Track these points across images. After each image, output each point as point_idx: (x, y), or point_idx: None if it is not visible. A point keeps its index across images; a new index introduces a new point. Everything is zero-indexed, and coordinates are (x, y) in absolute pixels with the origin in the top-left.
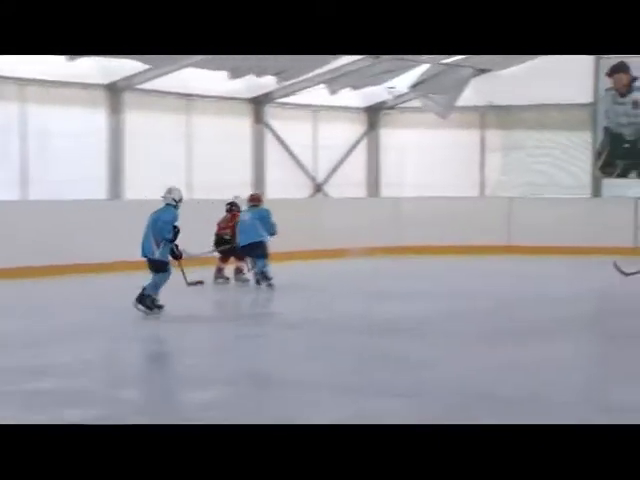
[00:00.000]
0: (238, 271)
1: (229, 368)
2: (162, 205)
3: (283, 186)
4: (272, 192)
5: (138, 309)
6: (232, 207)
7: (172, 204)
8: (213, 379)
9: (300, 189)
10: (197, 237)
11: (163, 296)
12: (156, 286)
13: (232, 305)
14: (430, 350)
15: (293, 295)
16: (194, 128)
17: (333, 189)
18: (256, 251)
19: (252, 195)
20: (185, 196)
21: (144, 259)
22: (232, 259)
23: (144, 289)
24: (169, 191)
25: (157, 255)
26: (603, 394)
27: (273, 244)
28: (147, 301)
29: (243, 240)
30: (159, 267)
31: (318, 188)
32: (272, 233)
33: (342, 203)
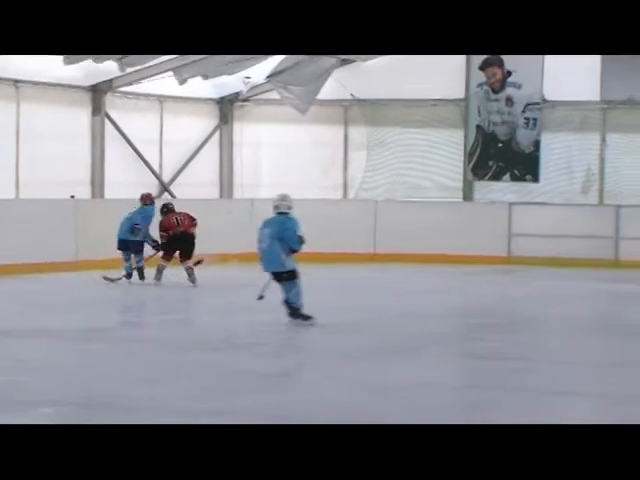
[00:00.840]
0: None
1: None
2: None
3: (124, 186)
4: (112, 192)
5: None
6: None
7: (286, 212)
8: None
9: (144, 189)
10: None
11: None
12: (298, 295)
13: None
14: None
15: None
16: (23, 119)
17: (181, 189)
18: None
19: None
20: (12, 196)
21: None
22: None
23: (291, 304)
24: (283, 198)
25: (288, 266)
26: None
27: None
28: (300, 313)
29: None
30: (292, 275)
31: (164, 188)
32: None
33: (191, 205)
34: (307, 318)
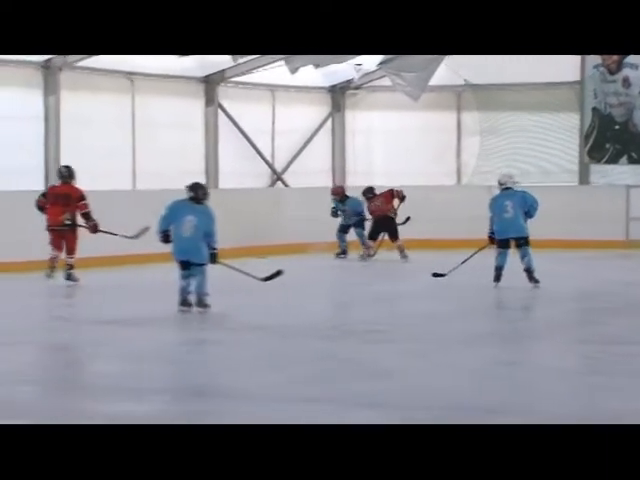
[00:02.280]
0: None
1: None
2: (503, 190)
3: (238, 176)
4: (225, 182)
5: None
6: None
7: (511, 187)
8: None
9: (257, 178)
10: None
11: None
12: (532, 259)
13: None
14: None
15: (246, 295)
16: (138, 111)
17: (294, 178)
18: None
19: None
20: (129, 187)
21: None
22: None
23: (529, 268)
24: (510, 176)
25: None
26: None
27: (226, 240)
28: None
29: None
30: (528, 241)
31: (277, 177)
32: None
33: (304, 193)
34: (536, 281)
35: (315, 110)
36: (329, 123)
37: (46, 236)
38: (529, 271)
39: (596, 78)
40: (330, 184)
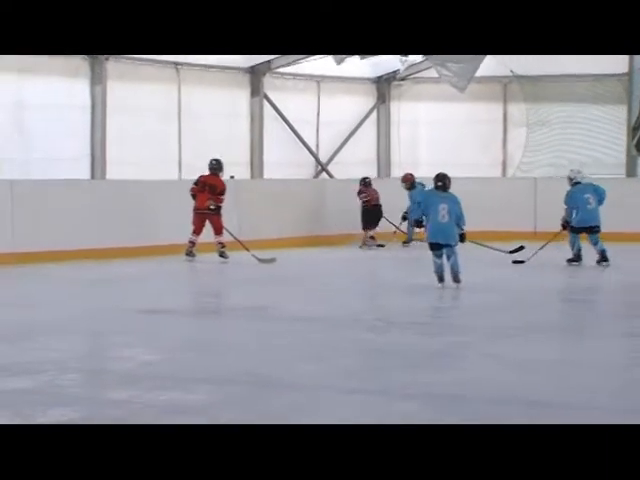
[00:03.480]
0: None
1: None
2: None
3: (283, 166)
4: (270, 172)
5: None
6: None
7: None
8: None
9: (302, 169)
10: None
11: None
12: None
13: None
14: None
15: (293, 287)
16: (184, 101)
17: (339, 169)
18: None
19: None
20: (175, 176)
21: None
22: None
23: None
24: (578, 170)
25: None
26: None
27: (266, 230)
28: None
29: None
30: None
31: (322, 168)
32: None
33: (349, 185)
34: (607, 259)
35: (360, 101)
36: (374, 114)
37: (94, 226)
38: (603, 253)
39: None
40: (375, 175)
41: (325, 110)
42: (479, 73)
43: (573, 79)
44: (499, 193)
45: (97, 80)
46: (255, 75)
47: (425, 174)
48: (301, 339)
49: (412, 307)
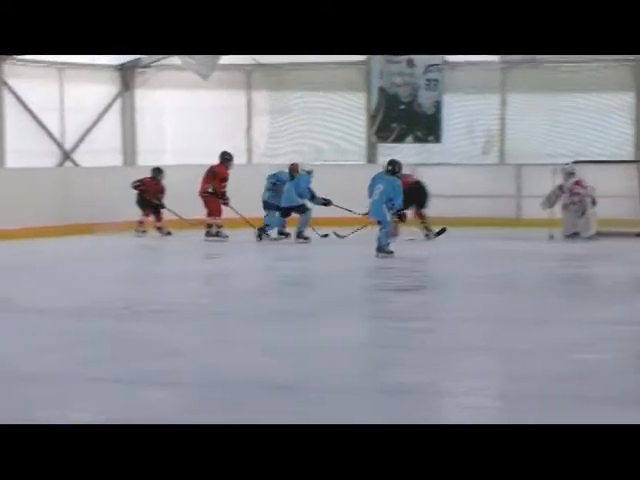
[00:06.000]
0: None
1: None
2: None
3: (27, 154)
4: (12, 161)
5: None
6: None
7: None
8: None
9: (47, 158)
10: None
11: None
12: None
13: None
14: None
15: (38, 277)
16: None
17: (84, 157)
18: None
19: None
20: None
21: None
22: None
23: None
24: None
25: None
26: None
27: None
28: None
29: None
30: None
31: (67, 156)
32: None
33: (94, 173)
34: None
35: (104, 89)
36: (119, 102)
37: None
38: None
39: (382, 59)
40: (120, 163)
41: (70, 98)
42: (223, 61)
43: (314, 67)
44: (245, 179)
45: None
46: None
47: (171, 162)
48: (45, 330)
49: (162, 295)
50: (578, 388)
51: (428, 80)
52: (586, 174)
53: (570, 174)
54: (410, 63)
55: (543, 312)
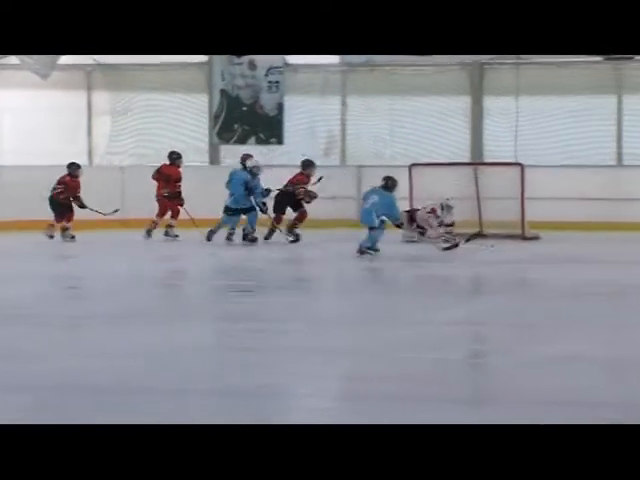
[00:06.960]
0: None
1: None
2: None
3: None
4: None
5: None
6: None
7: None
8: None
9: None
10: None
11: None
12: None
13: None
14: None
15: None
16: None
17: None
18: None
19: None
20: None
21: None
22: None
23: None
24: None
25: None
26: None
27: None
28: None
29: None
30: None
31: None
32: None
33: None
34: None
35: None
36: None
37: None
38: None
39: (223, 60)
40: None
41: None
42: (62, 61)
43: (155, 68)
44: (85, 180)
45: None
46: None
47: (9, 163)
48: None
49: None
50: (420, 388)
51: (270, 82)
52: (422, 176)
53: (449, 207)
54: (252, 65)
55: (383, 313)
